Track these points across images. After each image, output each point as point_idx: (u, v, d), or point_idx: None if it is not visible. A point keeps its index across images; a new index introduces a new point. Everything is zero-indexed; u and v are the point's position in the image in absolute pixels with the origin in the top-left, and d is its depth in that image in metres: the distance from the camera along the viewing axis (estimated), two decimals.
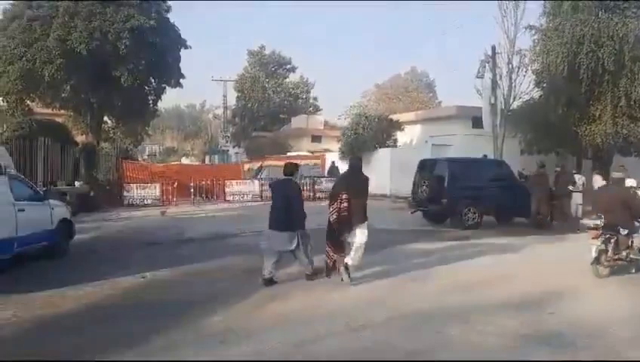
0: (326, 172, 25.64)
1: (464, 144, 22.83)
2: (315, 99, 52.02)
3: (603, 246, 7.99)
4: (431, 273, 8.17)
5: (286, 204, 7.47)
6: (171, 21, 22.70)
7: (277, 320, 5.76)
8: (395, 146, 27.19)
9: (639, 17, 19.41)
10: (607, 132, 19.31)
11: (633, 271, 8.25)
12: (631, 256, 8.12)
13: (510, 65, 21.98)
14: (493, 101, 19.80)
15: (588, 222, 8.36)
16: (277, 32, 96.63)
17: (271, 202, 7.90)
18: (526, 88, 22.56)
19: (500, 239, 11.95)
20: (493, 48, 20.60)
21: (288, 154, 32.08)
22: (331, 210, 7.40)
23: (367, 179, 7.72)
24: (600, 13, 19.31)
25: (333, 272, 7.50)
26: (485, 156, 16.64)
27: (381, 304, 6.39)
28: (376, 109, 42.54)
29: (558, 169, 16.04)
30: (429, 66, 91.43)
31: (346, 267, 7.24)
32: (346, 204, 7.21)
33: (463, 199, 13.70)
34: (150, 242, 11.70)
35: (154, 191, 21.60)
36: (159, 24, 21.21)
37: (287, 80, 50.48)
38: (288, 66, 51.22)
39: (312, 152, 32.69)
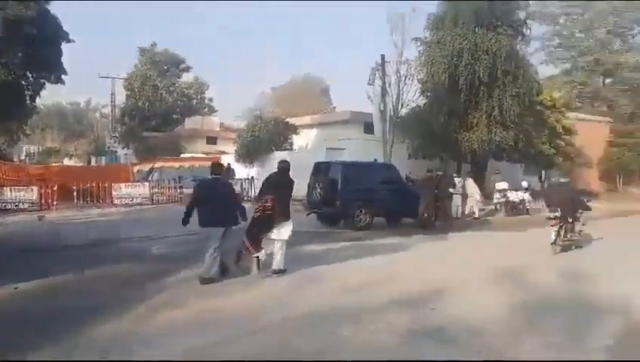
0: None
1: (357, 148, 23.59)
2: (210, 100, 50.94)
3: (558, 232, 10.94)
4: (325, 273, 8.38)
5: (219, 201, 7.74)
6: (52, 13, 21.05)
7: (169, 326, 5.58)
8: (292, 149, 27.47)
9: (509, 35, 21.48)
10: (482, 139, 21.07)
11: (573, 247, 11.29)
12: (573, 237, 11.37)
13: (398, 74, 23.19)
14: (382, 108, 20.79)
15: (549, 214, 11.24)
16: (172, 31, 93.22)
17: (193, 201, 8.03)
18: (413, 96, 23.95)
19: (390, 239, 12.56)
20: (383, 57, 21.62)
21: (182, 155, 31.15)
22: (256, 208, 7.98)
23: (292, 182, 8.44)
24: (477, 29, 21.07)
25: (240, 263, 7.98)
26: (376, 160, 17.40)
27: (277, 305, 6.45)
28: (272, 112, 42.67)
29: (440, 173, 17.21)
30: (324, 71, 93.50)
31: (258, 261, 7.95)
32: (269, 204, 7.79)
33: (356, 201, 14.22)
34: (25, 249, 10.77)
35: (31, 194, 19.92)
36: (38, 15, 19.56)
37: (181, 80, 48.93)
38: (182, 66, 49.60)
39: (207, 154, 32.02)
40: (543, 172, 30.38)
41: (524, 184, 21.28)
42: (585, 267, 9.15)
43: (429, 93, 23.07)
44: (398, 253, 10.64)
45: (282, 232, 7.94)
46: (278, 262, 8.01)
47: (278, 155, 25.60)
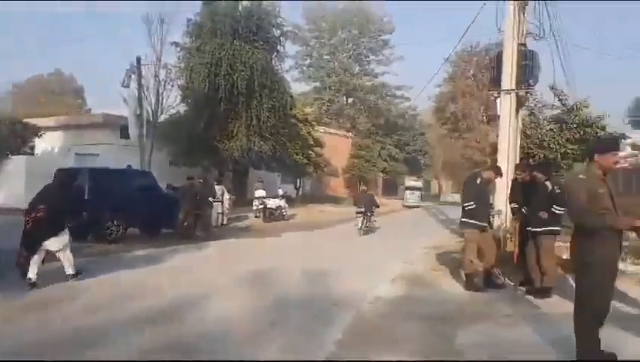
0: None
1: (112, 154, 22.01)
2: None
3: (363, 221, 16.66)
4: (65, 294, 7.41)
5: None
6: None
7: None
8: (32, 154, 24.15)
9: (265, 50, 22.68)
10: (242, 148, 21.73)
11: (370, 233, 16.94)
12: (370, 225, 17.33)
13: (157, 78, 22.44)
14: (139, 112, 19.69)
15: (357, 209, 17.18)
16: None
17: None
18: (173, 102, 23.46)
19: (146, 251, 11.86)
20: (138, 59, 20.49)
21: None
22: (28, 219, 7.76)
23: (70, 191, 8.72)
24: (235, 40, 21.68)
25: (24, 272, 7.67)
26: (130, 166, 16.35)
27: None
28: (9, 111, 36.92)
29: (201, 181, 17.09)
30: (76, 70, 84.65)
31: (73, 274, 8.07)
32: (42, 214, 7.66)
33: (106, 211, 13.06)
34: None
35: None
36: None
37: None
38: None
39: None
40: (298, 180, 32.94)
41: (280, 191, 22.68)
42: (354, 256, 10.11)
43: (189, 100, 22.85)
44: (153, 265, 10.08)
45: (56, 242, 7.86)
46: (68, 268, 8.04)
47: (16, 161, 22.35)
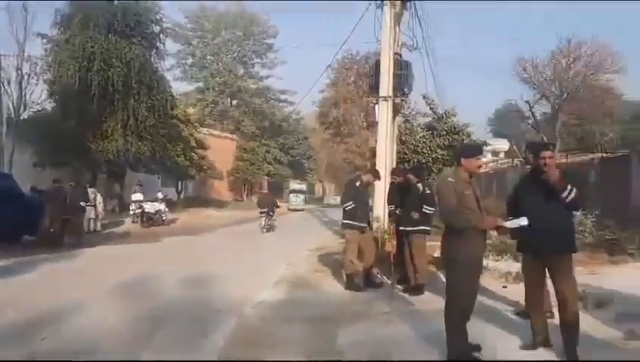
0: None
1: None
2: None
3: (265, 220, 18.82)
4: None
5: None
6: None
7: None
8: None
9: (144, 46, 21.59)
10: (118, 148, 20.47)
11: (272, 231, 19.15)
12: (271, 223, 19.43)
13: (20, 71, 20.41)
14: None
15: (260, 209, 19.17)
16: None
17: None
18: (38, 98, 21.49)
19: (3, 261, 10.66)
20: None
21: None
22: None
23: None
24: (110, 35, 20.36)
25: None
26: None
27: None
28: None
29: (72, 184, 15.87)
30: None
31: None
32: None
33: None
34: None
35: None
36: None
37: None
38: None
39: None
40: (180, 183, 31.80)
41: (160, 195, 21.76)
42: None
43: (56, 96, 21.05)
44: (10, 277, 9.07)
45: None
46: None
47: None
